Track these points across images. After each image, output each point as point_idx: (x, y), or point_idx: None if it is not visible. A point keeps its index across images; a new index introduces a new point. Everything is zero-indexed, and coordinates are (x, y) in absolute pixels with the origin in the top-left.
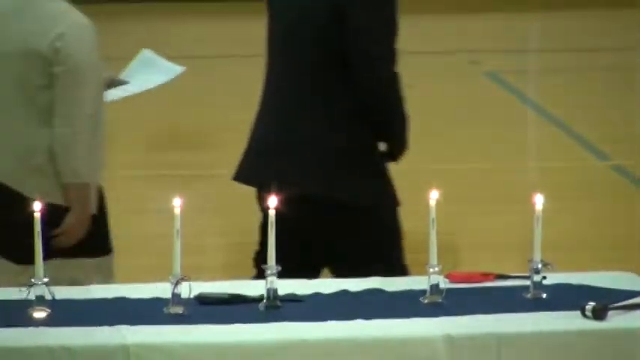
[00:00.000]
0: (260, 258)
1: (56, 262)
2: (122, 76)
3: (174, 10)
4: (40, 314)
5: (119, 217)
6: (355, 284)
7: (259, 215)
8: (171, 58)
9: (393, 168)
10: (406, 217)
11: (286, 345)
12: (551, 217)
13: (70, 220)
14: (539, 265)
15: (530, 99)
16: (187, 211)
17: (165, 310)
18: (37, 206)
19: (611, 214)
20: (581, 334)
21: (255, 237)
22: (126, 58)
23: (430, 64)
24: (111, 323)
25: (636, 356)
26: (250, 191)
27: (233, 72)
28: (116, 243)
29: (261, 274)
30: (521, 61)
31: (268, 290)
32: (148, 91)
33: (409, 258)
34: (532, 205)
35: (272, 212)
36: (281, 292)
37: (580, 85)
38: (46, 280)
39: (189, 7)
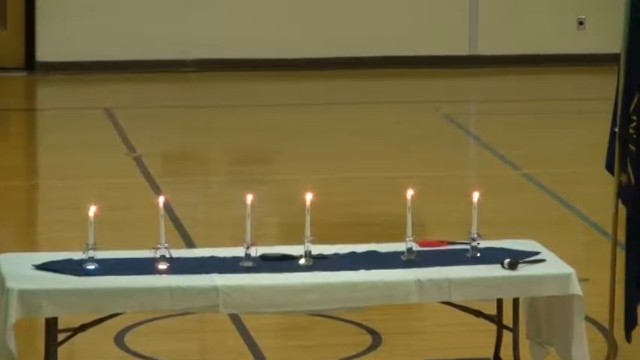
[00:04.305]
0: None
1: None
2: None
3: None
4: (162, 266)
5: (212, 205)
6: (359, 247)
7: (300, 204)
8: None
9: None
10: (395, 206)
11: (316, 285)
12: (483, 206)
13: None
14: (475, 236)
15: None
16: (254, 201)
17: (240, 263)
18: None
19: (517, 207)
20: (501, 279)
21: (296, 218)
22: None
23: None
24: (207, 272)
25: (535, 292)
26: (291, 188)
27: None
28: (210, 220)
29: None
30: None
31: (305, 251)
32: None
33: (396, 233)
34: (471, 198)
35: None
36: (313, 252)
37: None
38: (166, 244)
39: None
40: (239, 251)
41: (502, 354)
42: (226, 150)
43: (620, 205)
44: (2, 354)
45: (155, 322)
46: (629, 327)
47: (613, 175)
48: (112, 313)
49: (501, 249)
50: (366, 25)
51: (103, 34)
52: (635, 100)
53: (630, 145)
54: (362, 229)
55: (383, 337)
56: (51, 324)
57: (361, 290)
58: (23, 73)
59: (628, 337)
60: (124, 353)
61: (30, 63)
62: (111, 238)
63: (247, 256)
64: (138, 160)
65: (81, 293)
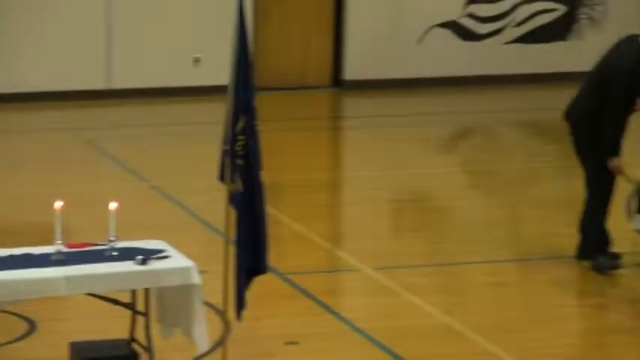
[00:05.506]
0: None
1: None
2: None
3: None
4: None
5: None
6: (16, 251)
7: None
8: None
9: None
10: (47, 215)
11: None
12: (120, 213)
13: None
14: (113, 238)
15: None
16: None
17: None
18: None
19: (148, 212)
20: (134, 273)
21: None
22: None
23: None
24: None
25: (163, 283)
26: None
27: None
28: None
29: None
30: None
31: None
32: None
33: (49, 238)
34: (110, 207)
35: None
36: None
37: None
38: None
39: None
40: None
41: (136, 335)
42: None
43: (231, 209)
44: None
45: None
46: (239, 308)
47: (225, 184)
48: None
49: (134, 248)
50: (23, 64)
51: None
52: (240, 123)
53: (238, 160)
54: (18, 236)
55: (37, 324)
56: None
57: (18, 286)
58: None
59: (239, 317)
60: None
61: None
62: None
63: None
64: None
65: None
